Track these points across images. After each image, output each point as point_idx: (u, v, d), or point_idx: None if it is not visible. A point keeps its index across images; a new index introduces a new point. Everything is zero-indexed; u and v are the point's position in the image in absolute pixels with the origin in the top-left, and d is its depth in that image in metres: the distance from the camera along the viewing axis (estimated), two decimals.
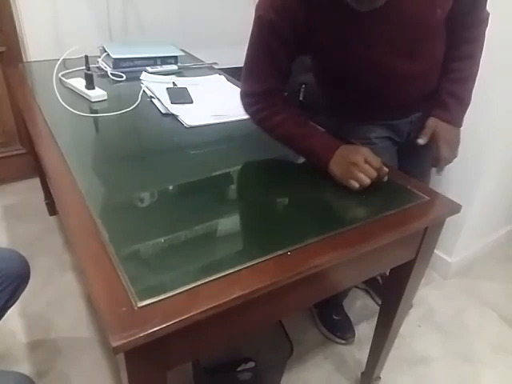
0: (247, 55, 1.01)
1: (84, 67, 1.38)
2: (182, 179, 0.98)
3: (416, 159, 1.22)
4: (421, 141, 1.07)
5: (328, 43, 0.95)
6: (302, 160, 1.08)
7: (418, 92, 1.11)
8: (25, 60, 1.84)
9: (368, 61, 0.98)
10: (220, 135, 1.20)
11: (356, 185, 0.90)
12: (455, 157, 1.12)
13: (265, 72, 1.00)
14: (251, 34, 0.98)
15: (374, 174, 0.91)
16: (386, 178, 0.96)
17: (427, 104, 1.12)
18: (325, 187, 0.96)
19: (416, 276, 1.03)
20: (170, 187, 0.94)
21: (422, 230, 0.92)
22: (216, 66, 1.79)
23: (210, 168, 1.03)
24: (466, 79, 1.09)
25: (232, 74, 1.78)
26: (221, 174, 1.02)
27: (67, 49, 1.74)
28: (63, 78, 1.47)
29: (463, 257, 1.83)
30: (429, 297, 1.73)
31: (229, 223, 0.83)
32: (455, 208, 0.93)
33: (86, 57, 1.34)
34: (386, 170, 0.94)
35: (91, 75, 1.35)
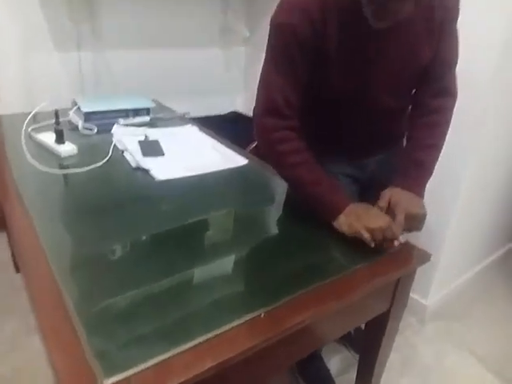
0: (267, 69, 0.98)
1: (63, 120, 1.37)
2: (150, 236, 0.96)
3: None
4: None
5: (337, 55, 0.95)
6: (274, 214, 1.08)
7: (389, 131, 1.15)
8: None
9: (362, 85, 0.99)
10: (190, 188, 1.20)
11: (368, 235, 0.89)
12: (418, 229, 1.01)
13: (290, 84, 0.96)
14: (270, 45, 0.96)
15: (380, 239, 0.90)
16: (396, 242, 0.93)
17: (390, 146, 1.16)
18: (294, 243, 0.96)
19: (392, 327, 1.03)
20: (138, 245, 0.92)
21: (394, 281, 0.93)
22: (188, 116, 1.81)
23: (179, 223, 1.02)
24: (430, 148, 1.07)
25: (204, 122, 1.81)
26: (190, 229, 1.01)
27: (39, 101, 1.73)
28: (33, 133, 1.45)
29: (438, 298, 1.85)
30: (408, 341, 1.72)
31: (199, 285, 0.81)
32: (425, 257, 0.94)
33: (56, 112, 1.33)
34: (396, 243, 0.92)
35: (61, 130, 1.34)
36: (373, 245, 0.89)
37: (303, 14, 0.89)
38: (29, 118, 1.52)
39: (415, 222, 0.98)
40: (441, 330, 1.80)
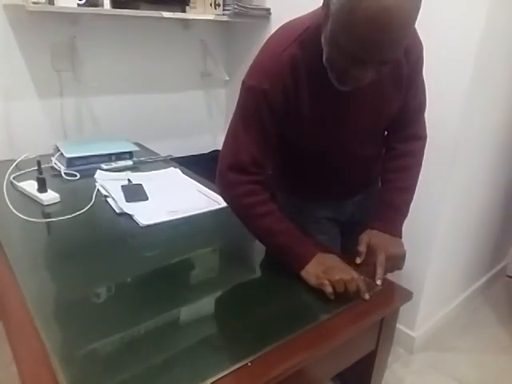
0: (235, 126, 0.98)
1: (45, 166, 1.38)
2: (133, 281, 0.97)
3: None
4: (358, 260, 1.01)
5: (309, 116, 0.96)
6: (257, 258, 1.10)
7: (367, 174, 1.19)
8: None
9: (337, 141, 1.02)
10: (175, 232, 1.21)
11: (330, 289, 0.89)
12: (399, 268, 1.03)
13: (258, 142, 0.96)
14: (240, 104, 0.97)
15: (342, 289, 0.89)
16: (367, 296, 0.91)
17: (366, 189, 1.20)
18: (277, 286, 0.97)
19: (380, 364, 1.04)
20: (120, 290, 0.93)
21: (378, 321, 0.94)
22: (170, 158, 1.84)
23: (162, 268, 1.03)
24: (402, 190, 1.09)
25: (186, 162, 1.84)
26: (172, 273, 1.01)
27: (22, 147, 1.76)
28: (15, 182, 1.45)
29: (426, 329, 1.86)
30: (397, 374, 1.72)
31: (184, 334, 0.81)
32: (407, 296, 0.96)
33: (39, 162, 1.34)
34: (365, 295, 0.91)
35: (43, 179, 1.34)
36: (332, 297, 0.89)
37: (275, 79, 0.90)
38: (12, 167, 1.52)
39: (396, 261, 1.01)
40: (429, 360, 1.80)
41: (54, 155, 1.70)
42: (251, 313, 0.87)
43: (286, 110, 0.94)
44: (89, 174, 1.58)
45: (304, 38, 0.90)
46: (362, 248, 1.02)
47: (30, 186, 1.39)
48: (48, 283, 0.95)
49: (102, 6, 1.59)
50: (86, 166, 1.65)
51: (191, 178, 1.62)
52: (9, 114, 1.78)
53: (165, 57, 2.15)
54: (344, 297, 0.89)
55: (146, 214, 1.27)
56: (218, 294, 0.95)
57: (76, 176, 1.57)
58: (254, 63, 0.94)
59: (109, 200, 1.37)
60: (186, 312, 0.88)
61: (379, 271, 0.97)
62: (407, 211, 1.11)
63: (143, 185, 1.48)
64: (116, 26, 1.92)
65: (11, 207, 1.26)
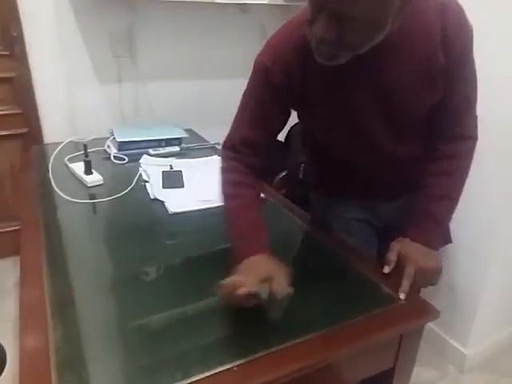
0: (240, 102, 0.99)
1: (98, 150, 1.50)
2: (144, 270, 0.97)
3: None
4: (386, 269, 0.94)
5: (319, 102, 0.92)
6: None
7: (404, 177, 1.07)
8: (44, 141, 1.96)
9: (353, 128, 0.94)
10: (200, 222, 1.21)
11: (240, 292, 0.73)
12: (432, 283, 0.96)
13: (253, 120, 0.95)
14: (248, 81, 0.97)
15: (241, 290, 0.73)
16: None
17: (408, 194, 1.07)
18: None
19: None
20: (128, 279, 0.94)
21: (396, 338, 0.85)
22: (219, 146, 1.84)
23: (179, 259, 1.03)
24: (440, 198, 0.96)
25: None
26: (186, 266, 1.01)
27: (83, 130, 1.87)
28: (67, 162, 1.54)
29: (481, 348, 1.67)
30: None
31: (177, 329, 0.80)
32: (432, 315, 0.86)
33: (85, 145, 1.41)
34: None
35: (89, 162, 1.41)
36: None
37: (279, 58, 0.88)
38: (59, 148, 1.63)
39: (427, 275, 0.91)
40: (481, 383, 1.62)
41: (108, 139, 1.78)
42: (252, 316, 0.83)
43: (288, 90, 0.90)
44: (137, 159, 1.63)
45: None
46: (392, 256, 0.94)
47: (79, 168, 1.47)
48: (65, 261, 0.99)
49: None
50: (135, 150, 1.70)
51: None
52: (71, 98, 1.90)
53: (222, 42, 2.14)
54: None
55: (177, 202, 1.27)
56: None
57: (124, 160, 1.63)
58: (267, 40, 0.92)
59: (147, 185, 1.40)
60: (186, 306, 0.86)
61: (404, 284, 0.88)
62: (447, 221, 0.99)
63: (183, 172, 1.49)
64: (173, 12, 1.95)
65: (54, 186, 1.34)
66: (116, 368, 0.71)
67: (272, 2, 1.87)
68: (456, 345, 1.65)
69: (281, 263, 0.81)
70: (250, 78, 0.95)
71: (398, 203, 1.12)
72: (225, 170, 0.98)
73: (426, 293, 1.59)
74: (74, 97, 1.92)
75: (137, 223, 1.19)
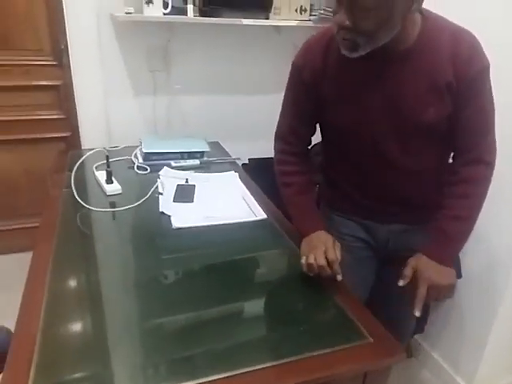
0: (284, 98, 1.15)
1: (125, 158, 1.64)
2: (133, 284, 1.04)
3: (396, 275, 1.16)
4: (401, 282, 1.00)
5: (336, 99, 1.03)
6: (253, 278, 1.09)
7: (407, 195, 1.10)
8: (83, 146, 2.12)
9: (364, 131, 1.03)
10: (201, 239, 1.26)
11: (303, 261, 1.01)
12: (446, 297, 1.02)
13: (296, 114, 1.13)
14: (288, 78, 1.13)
15: (322, 262, 0.98)
16: (339, 278, 1.00)
17: (408, 217, 1.11)
18: (275, 310, 0.96)
19: None
20: (120, 292, 1.01)
21: (361, 376, 0.86)
22: (239, 161, 1.90)
23: (175, 273, 1.08)
24: (456, 219, 1.01)
25: (261, 163, 1.88)
26: (180, 282, 1.06)
27: (117, 139, 2.00)
28: (94, 170, 1.67)
29: None
30: None
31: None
32: (399, 356, 0.86)
33: (107, 156, 1.52)
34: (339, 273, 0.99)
35: (110, 171, 1.52)
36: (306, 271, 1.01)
37: (308, 56, 1.04)
38: (86, 155, 1.75)
39: (441, 291, 0.99)
40: None
41: (137, 147, 1.89)
42: (237, 333, 0.88)
43: (315, 87, 1.04)
44: (159, 169, 1.72)
45: None
46: (408, 272, 1.00)
47: (102, 176, 1.58)
48: (67, 283, 1.08)
49: (186, 14, 1.70)
50: (159, 161, 1.80)
51: (248, 183, 1.64)
52: (108, 108, 2.05)
53: (255, 59, 2.20)
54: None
55: (182, 217, 1.34)
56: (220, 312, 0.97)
57: (147, 170, 1.73)
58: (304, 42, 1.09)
59: (160, 197, 1.48)
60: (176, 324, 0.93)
61: (417, 303, 0.96)
62: (463, 241, 1.03)
63: (196, 186, 1.56)
64: (206, 31, 2.04)
65: (75, 192, 1.45)
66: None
67: (301, 24, 1.90)
68: (461, 382, 1.60)
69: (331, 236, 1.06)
70: (289, 76, 1.11)
71: (398, 228, 1.15)
72: (277, 162, 1.20)
73: (437, 323, 1.57)
74: (111, 106, 2.07)
75: (140, 235, 1.27)
